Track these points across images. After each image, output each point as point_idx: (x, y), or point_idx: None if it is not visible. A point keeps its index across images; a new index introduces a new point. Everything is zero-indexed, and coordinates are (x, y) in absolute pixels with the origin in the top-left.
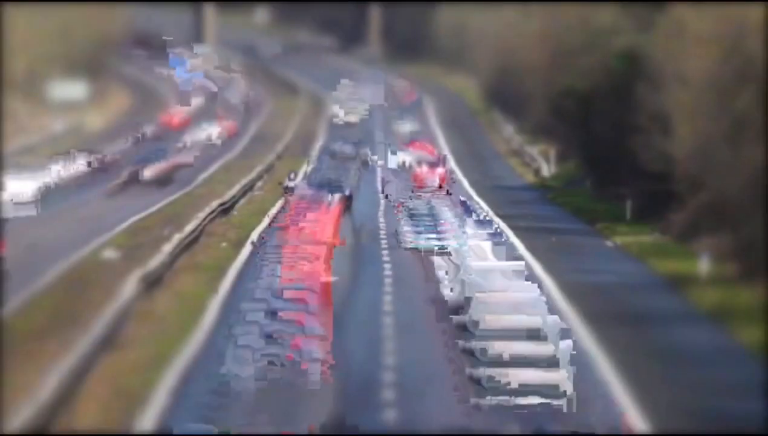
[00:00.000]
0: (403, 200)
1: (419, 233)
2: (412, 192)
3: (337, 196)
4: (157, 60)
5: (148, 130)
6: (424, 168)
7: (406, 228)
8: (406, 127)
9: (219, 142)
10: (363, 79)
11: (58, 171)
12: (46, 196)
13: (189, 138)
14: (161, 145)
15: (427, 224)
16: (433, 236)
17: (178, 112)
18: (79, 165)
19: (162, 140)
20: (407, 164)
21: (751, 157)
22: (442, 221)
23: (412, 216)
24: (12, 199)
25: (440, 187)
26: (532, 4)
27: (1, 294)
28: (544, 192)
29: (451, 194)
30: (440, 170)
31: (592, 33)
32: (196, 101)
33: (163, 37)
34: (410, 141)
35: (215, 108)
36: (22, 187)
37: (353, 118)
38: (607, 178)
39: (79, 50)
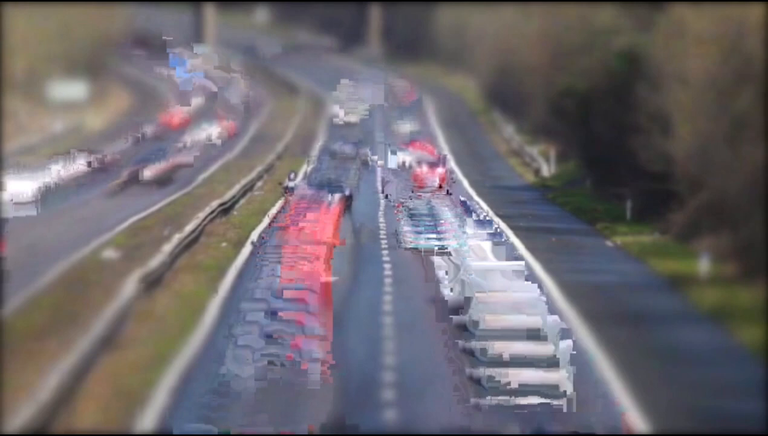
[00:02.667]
0: (403, 200)
1: (419, 233)
2: (412, 192)
3: (337, 196)
4: (157, 60)
5: (148, 130)
6: (424, 168)
7: (406, 228)
8: (406, 127)
9: (219, 142)
10: (363, 79)
11: (58, 171)
12: (47, 196)
13: (189, 138)
14: (161, 144)
15: (427, 224)
16: (433, 236)
17: (178, 112)
18: (79, 165)
19: (162, 140)
20: (407, 164)
21: (751, 157)
22: (442, 221)
23: (412, 216)
24: (12, 199)
25: (440, 187)
26: (532, 4)
27: (1, 294)
28: (544, 192)
29: (451, 194)
30: (440, 170)
31: (592, 33)
32: (197, 101)
33: (164, 37)
34: (410, 141)
35: (215, 108)
36: (22, 187)
37: (353, 118)
38: (607, 178)
39: (79, 50)
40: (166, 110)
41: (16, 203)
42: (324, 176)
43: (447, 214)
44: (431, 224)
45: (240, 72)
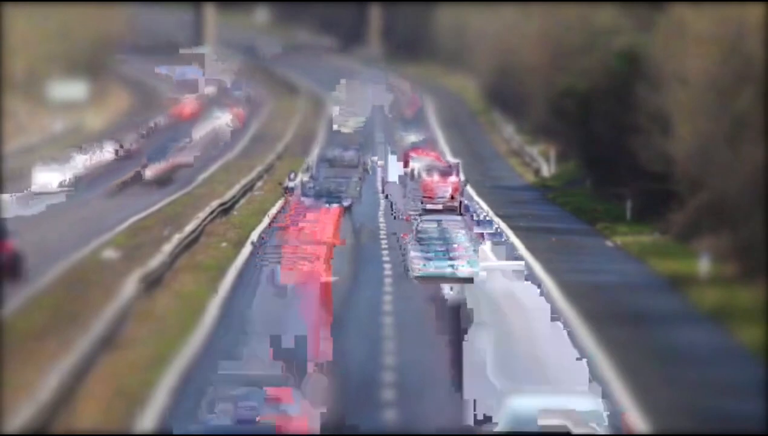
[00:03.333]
0: (412, 213)
1: (429, 259)
2: (421, 203)
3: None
4: (148, 62)
5: (161, 120)
6: (435, 176)
7: (414, 254)
8: (410, 138)
9: (230, 127)
10: (363, 79)
11: (85, 161)
12: (77, 184)
13: (197, 133)
14: (174, 135)
15: (439, 249)
16: (446, 263)
17: (188, 103)
18: (106, 153)
19: (175, 131)
20: (416, 172)
21: (751, 157)
22: (456, 245)
23: (420, 240)
24: (41, 190)
25: (452, 197)
26: (532, 4)
27: (1, 294)
28: (544, 192)
29: (463, 215)
30: (452, 179)
31: (592, 33)
32: (209, 90)
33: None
34: (412, 148)
35: (224, 98)
36: (50, 178)
37: (345, 130)
38: (607, 178)
39: (79, 50)
40: (176, 101)
41: (45, 193)
42: (322, 186)
43: (461, 238)
44: (443, 248)
45: (237, 69)
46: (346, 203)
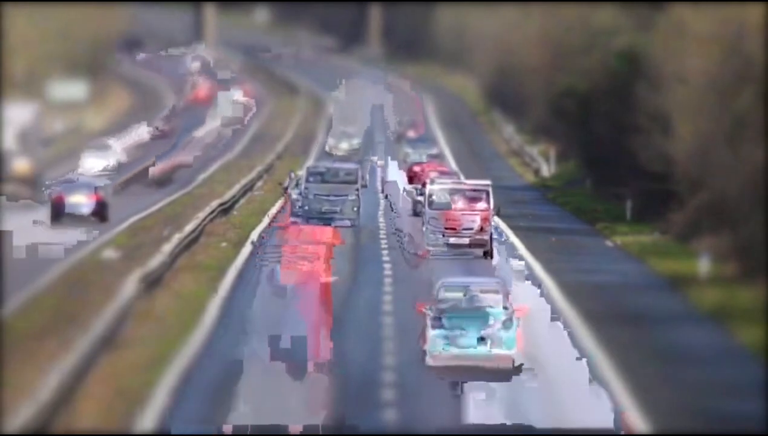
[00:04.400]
0: (431, 248)
1: (453, 338)
2: (443, 236)
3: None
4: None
5: (179, 103)
6: (460, 203)
7: (434, 332)
8: (417, 157)
9: (246, 100)
10: (363, 79)
11: (124, 144)
12: (119, 169)
13: (204, 128)
14: (190, 122)
15: (466, 324)
16: (475, 343)
17: (202, 87)
18: (144, 135)
19: (192, 115)
20: (435, 198)
21: (751, 157)
22: (490, 320)
23: (442, 312)
24: (86, 173)
25: (481, 229)
26: (532, 4)
27: (1, 294)
28: (544, 192)
29: (489, 256)
30: (481, 206)
31: (592, 33)
32: (195, 65)
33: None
34: (416, 163)
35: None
36: (95, 163)
37: (340, 153)
38: (607, 178)
39: (79, 50)
40: (192, 88)
41: (91, 176)
42: (312, 206)
43: (496, 311)
44: (472, 324)
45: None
46: (342, 223)
